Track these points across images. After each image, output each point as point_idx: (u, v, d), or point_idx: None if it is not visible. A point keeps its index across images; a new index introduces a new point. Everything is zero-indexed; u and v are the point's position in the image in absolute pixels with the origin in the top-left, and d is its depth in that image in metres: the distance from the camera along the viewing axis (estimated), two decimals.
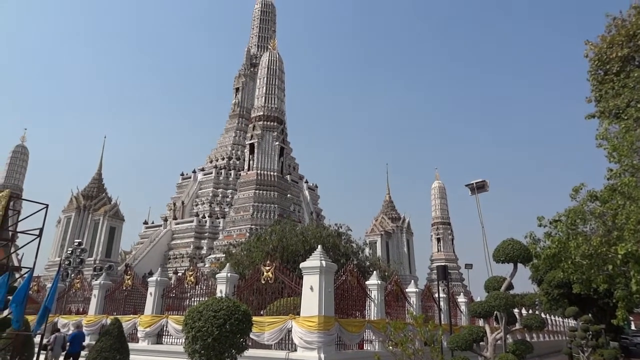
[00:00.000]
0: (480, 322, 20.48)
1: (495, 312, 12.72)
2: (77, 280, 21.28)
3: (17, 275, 15.90)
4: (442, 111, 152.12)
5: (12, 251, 11.69)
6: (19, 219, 12.02)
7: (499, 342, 13.27)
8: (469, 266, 39.37)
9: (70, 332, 14.34)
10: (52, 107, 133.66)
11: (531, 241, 11.42)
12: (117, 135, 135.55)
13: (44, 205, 10.80)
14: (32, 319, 12.83)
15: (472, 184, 19.85)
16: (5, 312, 10.12)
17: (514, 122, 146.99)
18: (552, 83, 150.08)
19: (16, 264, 29.05)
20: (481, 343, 12.99)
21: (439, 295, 17.74)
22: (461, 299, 25.24)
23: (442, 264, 27.54)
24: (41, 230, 10.36)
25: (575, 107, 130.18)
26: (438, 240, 51.37)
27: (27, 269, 10.50)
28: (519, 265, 13.15)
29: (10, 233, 11.93)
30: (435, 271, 45.57)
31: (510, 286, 13.61)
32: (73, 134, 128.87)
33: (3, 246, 11.40)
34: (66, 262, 22.31)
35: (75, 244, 24.47)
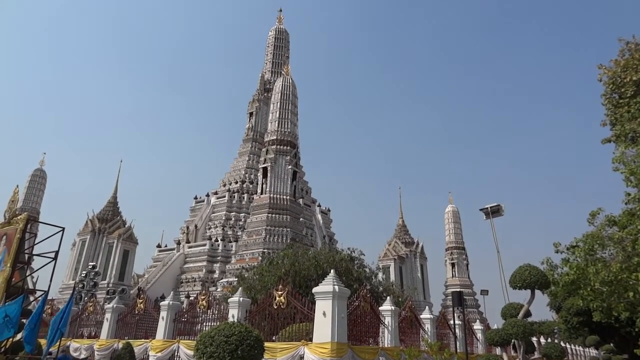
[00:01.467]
0: (498, 351, 19.92)
1: (513, 340, 12.38)
2: (90, 304, 21.32)
3: (31, 298, 16.00)
4: (455, 134, 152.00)
5: (27, 274, 11.80)
6: (35, 242, 12.14)
7: None
8: (484, 292, 38.54)
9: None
10: (71, 132, 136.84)
11: (548, 267, 11.19)
12: (132, 160, 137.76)
13: (60, 229, 10.93)
14: (44, 342, 12.86)
15: (487, 208, 19.56)
16: (19, 335, 10.16)
17: (529, 146, 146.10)
18: (568, 106, 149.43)
19: (31, 286, 29.26)
20: None
21: (454, 322, 17.35)
22: (477, 326, 24.66)
23: (457, 289, 27.00)
24: (57, 253, 10.46)
25: (590, 130, 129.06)
26: (452, 265, 50.52)
27: (42, 292, 10.57)
28: (537, 291, 12.85)
29: (26, 256, 12.07)
30: (450, 297, 44.80)
31: (528, 313, 13.30)
32: (90, 157, 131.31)
33: (19, 269, 11.51)
34: (80, 285, 22.37)
35: (89, 267, 24.59)
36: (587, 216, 10.61)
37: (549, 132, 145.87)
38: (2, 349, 8.73)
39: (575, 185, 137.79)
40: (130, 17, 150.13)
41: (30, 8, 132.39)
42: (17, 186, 12.05)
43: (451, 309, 39.22)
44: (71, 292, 16.13)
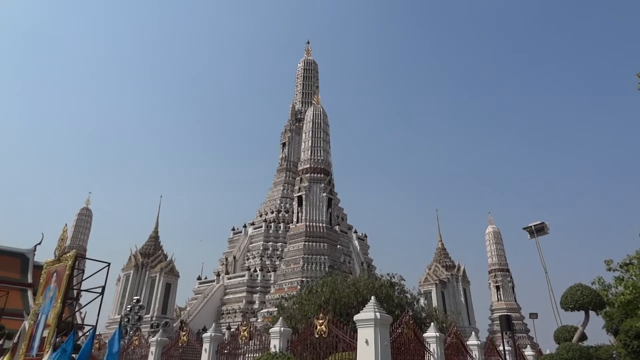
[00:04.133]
0: None
1: None
2: (136, 338, 21.69)
3: (80, 334, 16.46)
4: (492, 152, 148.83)
5: (76, 309, 12.19)
6: (83, 278, 12.55)
7: None
8: (533, 315, 36.83)
9: None
10: (113, 171, 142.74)
11: (601, 287, 10.63)
12: (171, 195, 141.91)
13: (106, 264, 11.29)
14: None
15: (531, 226, 18.84)
16: None
17: (571, 160, 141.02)
18: (615, 116, 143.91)
19: (79, 321, 30.09)
20: None
21: (504, 347, 16.60)
22: (528, 351, 23.49)
23: (504, 313, 25.87)
24: (103, 288, 10.77)
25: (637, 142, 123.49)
26: (497, 288, 48.65)
27: (90, 327, 10.86)
28: (591, 313, 12.17)
29: (75, 292, 12.46)
30: (497, 322, 43.01)
31: (583, 336, 12.57)
32: (132, 195, 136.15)
33: (69, 305, 11.87)
34: (125, 320, 22.89)
35: (133, 301, 25.17)
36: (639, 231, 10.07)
37: (591, 146, 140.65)
38: None
39: (624, 199, 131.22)
40: (164, 53, 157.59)
41: (76, 56, 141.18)
42: (66, 225, 12.60)
43: (498, 334, 37.70)
44: (117, 326, 16.51)
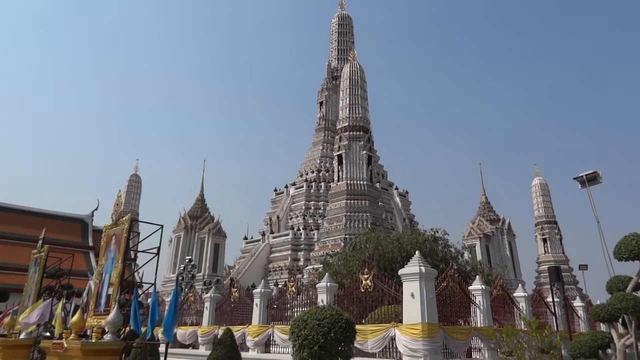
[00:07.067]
0: (602, 328, 18.58)
1: (622, 316, 11.46)
2: (191, 294, 23.00)
3: (140, 292, 17.61)
4: (537, 102, 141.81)
5: (135, 269, 12.98)
6: (139, 240, 13.27)
7: (628, 349, 11.93)
8: (583, 267, 35.96)
9: None
10: (158, 138, 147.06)
11: None
12: (214, 159, 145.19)
13: (159, 226, 11.85)
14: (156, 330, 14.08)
15: (582, 176, 18.04)
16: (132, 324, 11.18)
17: (620, 104, 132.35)
18: None
19: (138, 280, 32.11)
20: (607, 350, 11.78)
21: (553, 299, 16.45)
22: (577, 303, 23.16)
23: (553, 265, 25.44)
24: (158, 248, 11.36)
25: None
26: (544, 241, 47.60)
27: (150, 284, 11.58)
28: None
29: (132, 253, 13.22)
30: (543, 274, 42.42)
31: (637, 286, 12.21)
32: (177, 160, 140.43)
33: (128, 265, 12.65)
34: (180, 278, 24.30)
35: (186, 260, 26.53)
36: None
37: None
38: (122, 336, 9.72)
39: None
40: (201, 17, 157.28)
41: (117, 22, 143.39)
42: (120, 190, 13.25)
43: (545, 286, 37.23)
44: (173, 284, 17.46)
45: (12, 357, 13.12)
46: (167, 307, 10.29)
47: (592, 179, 18.08)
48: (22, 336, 13.54)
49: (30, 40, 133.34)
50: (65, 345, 9.39)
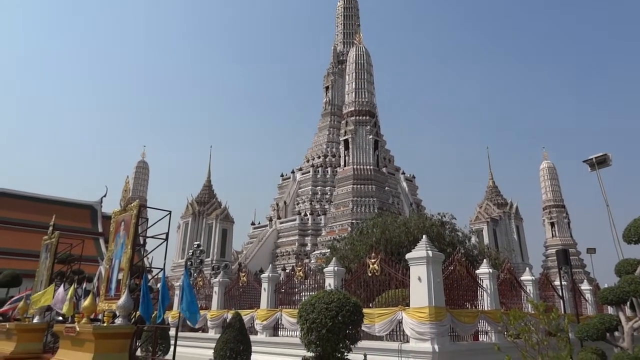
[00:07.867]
0: (610, 311, 18.60)
1: (630, 299, 11.45)
2: (199, 279, 23.26)
3: (149, 277, 17.87)
4: (546, 84, 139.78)
5: (144, 255, 13.12)
6: (148, 226, 13.37)
7: (636, 332, 11.95)
8: (591, 250, 35.91)
9: None
10: (164, 125, 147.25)
11: None
12: (221, 145, 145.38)
13: (168, 212, 11.94)
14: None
15: (592, 158, 17.86)
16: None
17: (629, 88, 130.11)
18: None
19: (147, 266, 32.49)
20: (615, 333, 11.81)
21: (561, 282, 16.45)
22: (585, 286, 23.15)
23: (560, 248, 25.37)
24: (167, 234, 11.45)
25: None
26: (552, 224, 47.44)
27: (159, 269, 11.70)
28: None
29: (141, 239, 13.33)
30: (551, 258, 42.36)
31: None
32: (184, 146, 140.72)
33: (137, 250, 12.78)
34: (188, 263, 24.59)
35: (194, 246, 26.79)
36: None
37: None
38: (133, 320, 9.88)
39: None
40: (205, 5, 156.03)
41: (123, 11, 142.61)
42: (128, 177, 13.32)
43: (553, 270, 37.20)
44: (182, 269, 17.61)
45: (27, 340, 13.42)
46: (182, 294, 10.41)
47: (601, 162, 17.92)
48: (35, 320, 13.82)
49: (41, 29, 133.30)
50: (78, 329, 9.58)
